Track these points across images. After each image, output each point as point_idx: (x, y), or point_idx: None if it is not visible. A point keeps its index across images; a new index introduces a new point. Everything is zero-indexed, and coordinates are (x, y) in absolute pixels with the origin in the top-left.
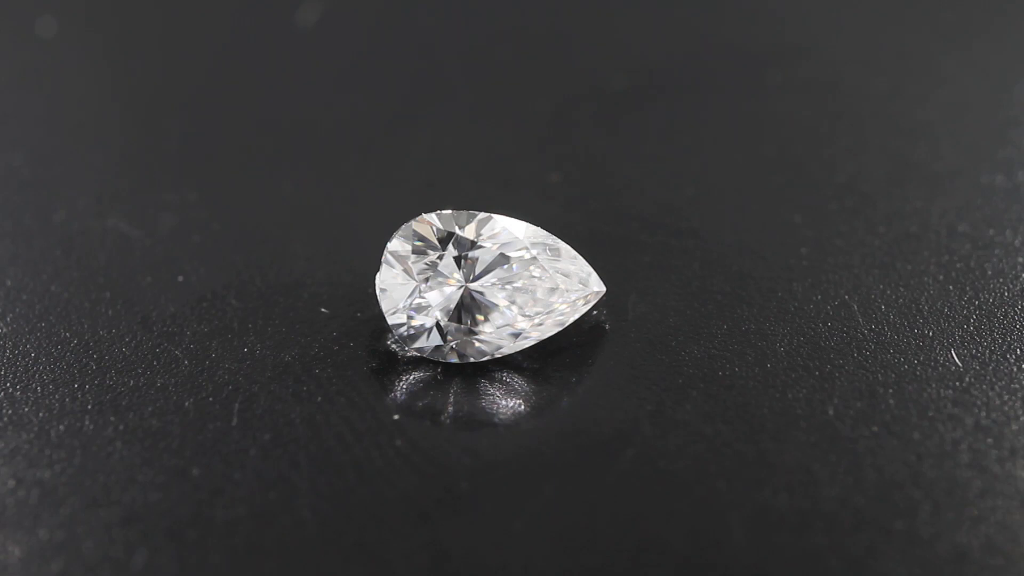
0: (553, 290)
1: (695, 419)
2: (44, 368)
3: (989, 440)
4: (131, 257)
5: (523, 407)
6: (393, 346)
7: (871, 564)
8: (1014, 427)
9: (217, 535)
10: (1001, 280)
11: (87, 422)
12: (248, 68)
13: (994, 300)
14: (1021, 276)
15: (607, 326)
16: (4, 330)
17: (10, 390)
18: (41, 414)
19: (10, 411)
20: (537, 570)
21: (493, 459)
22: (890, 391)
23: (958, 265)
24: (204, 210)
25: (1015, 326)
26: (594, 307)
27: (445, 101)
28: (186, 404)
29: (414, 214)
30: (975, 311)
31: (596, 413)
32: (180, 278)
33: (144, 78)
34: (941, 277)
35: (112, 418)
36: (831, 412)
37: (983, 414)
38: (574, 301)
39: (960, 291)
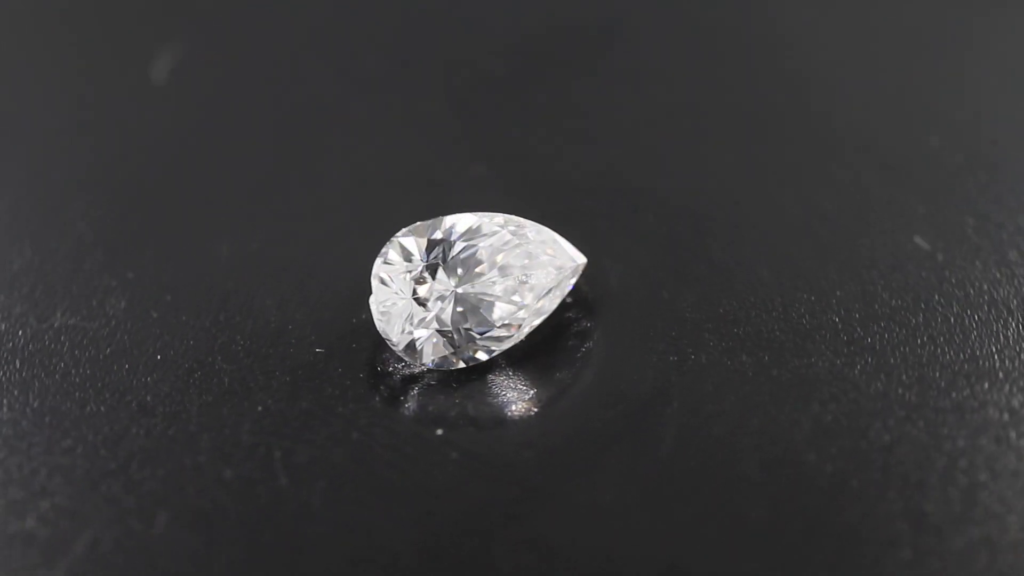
0: (538, 268)
1: (719, 357)
2: (59, 485)
3: None
4: (95, 350)
5: (554, 390)
6: (400, 366)
7: (932, 442)
8: None
9: None
10: None
11: (134, 523)
12: (123, 124)
13: None
14: None
15: (590, 297)
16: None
17: (30, 515)
18: (82, 532)
19: (47, 532)
20: (642, 533)
21: (551, 446)
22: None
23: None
24: (147, 285)
25: None
26: (577, 281)
27: (343, 123)
28: (226, 475)
29: (372, 237)
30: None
31: (625, 377)
32: (158, 356)
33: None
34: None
35: (158, 511)
36: (836, 320)
37: None
38: (558, 274)
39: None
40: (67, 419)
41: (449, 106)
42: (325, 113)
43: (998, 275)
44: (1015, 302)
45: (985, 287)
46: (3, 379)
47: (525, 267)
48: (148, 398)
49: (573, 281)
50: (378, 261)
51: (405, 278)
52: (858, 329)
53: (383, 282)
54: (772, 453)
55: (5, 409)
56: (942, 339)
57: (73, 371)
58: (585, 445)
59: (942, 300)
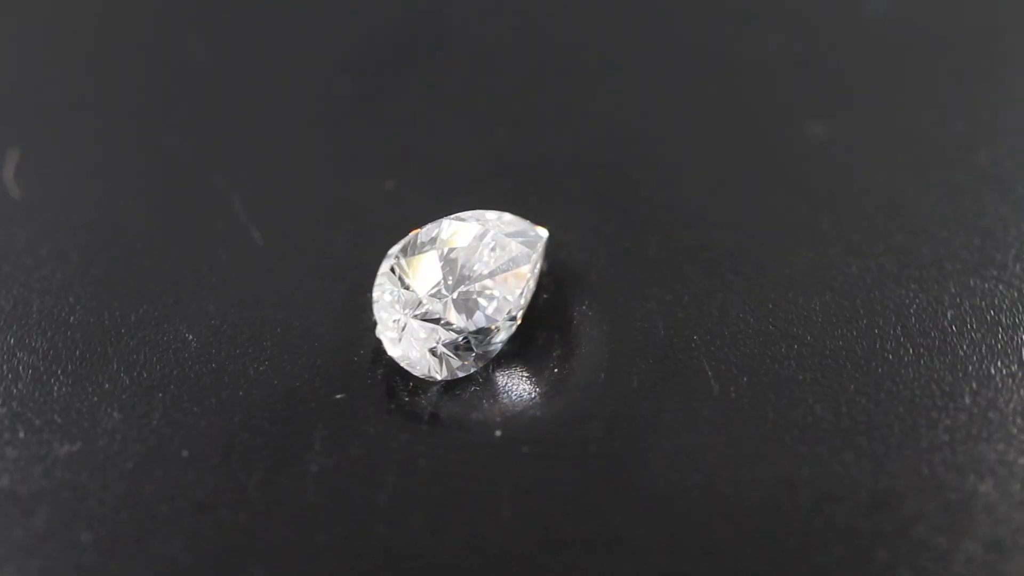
0: (516, 254)
1: (707, 281)
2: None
3: None
4: (114, 468)
5: (576, 361)
6: (412, 384)
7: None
8: None
9: None
10: None
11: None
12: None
13: None
14: None
15: (557, 270)
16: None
17: None
18: None
19: None
20: (739, 459)
21: (609, 412)
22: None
23: None
24: (129, 391)
25: None
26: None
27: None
28: (320, 540)
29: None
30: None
31: (635, 329)
32: (185, 453)
33: None
34: None
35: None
36: (806, 218)
37: None
38: (530, 252)
39: None
40: (127, 543)
41: (322, 133)
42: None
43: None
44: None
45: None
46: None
47: (506, 256)
48: (199, 496)
49: (541, 254)
50: (375, 293)
51: (404, 300)
52: (825, 225)
53: (385, 311)
54: (805, 348)
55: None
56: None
57: (104, 495)
58: (638, 402)
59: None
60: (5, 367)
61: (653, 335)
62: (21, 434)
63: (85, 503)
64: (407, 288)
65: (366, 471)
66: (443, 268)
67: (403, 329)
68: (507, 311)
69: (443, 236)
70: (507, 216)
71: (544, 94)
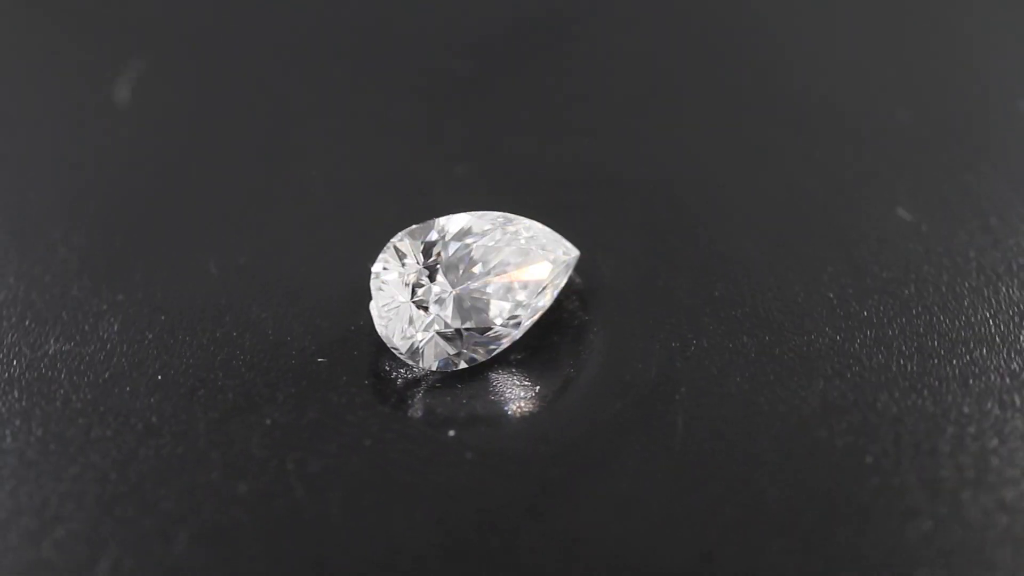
0: (533, 263)
1: (720, 340)
2: (72, 511)
3: None
4: (92, 372)
5: (560, 384)
6: (404, 370)
7: (939, 411)
8: None
9: None
10: None
11: (153, 544)
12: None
13: None
14: None
15: (586, 290)
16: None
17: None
18: (101, 557)
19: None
20: (663, 521)
21: (565, 440)
22: (869, 255)
23: None
24: (139, 306)
25: None
26: (572, 276)
27: (321, 132)
28: (241, 491)
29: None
30: None
31: (629, 367)
32: (159, 377)
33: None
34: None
35: (177, 530)
36: (831, 296)
37: None
38: (553, 268)
39: None
40: (72, 445)
41: (424, 108)
42: (303, 123)
43: (983, 242)
44: (1002, 267)
45: (972, 254)
46: (3, 410)
47: (519, 263)
48: (153, 419)
49: (568, 275)
50: (376, 266)
51: (403, 282)
52: (853, 304)
53: (382, 287)
54: (783, 432)
55: (9, 439)
56: (936, 308)
57: (74, 397)
58: (598, 437)
59: (931, 270)
60: (45, 260)
61: (642, 377)
62: (26, 322)
63: (51, 402)
64: (408, 270)
65: (312, 436)
66: (452, 259)
67: (394, 309)
68: (507, 316)
69: (463, 228)
70: (537, 226)
71: (624, 118)
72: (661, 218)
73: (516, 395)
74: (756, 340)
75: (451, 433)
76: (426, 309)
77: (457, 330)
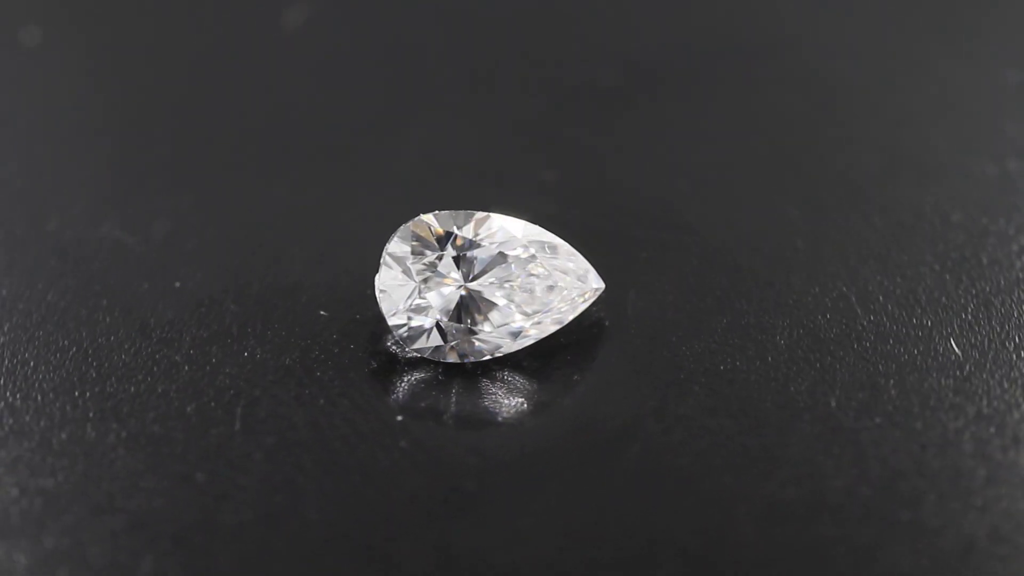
0: (552, 288)
1: (698, 414)
2: (44, 376)
3: (992, 429)
4: (127, 264)
5: (526, 406)
6: (393, 347)
7: (878, 555)
8: (1016, 415)
9: (224, 539)
10: (997, 268)
11: (89, 429)
12: (236, 71)
13: (991, 289)
14: (1016, 264)
15: (606, 323)
16: (1, 339)
17: (10, 399)
18: (42, 422)
19: (11, 420)
20: (545, 568)
21: (499, 458)
22: (891, 381)
23: (953, 255)
24: (198, 215)
25: (1013, 314)
26: (593, 304)
27: (435, 99)
28: (188, 409)
29: (410, 215)
30: (972, 299)
31: (599, 410)
32: (177, 284)
33: (132, 84)
34: (937, 267)
35: (114, 425)
36: (833, 404)
37: (984, 403)
38: (573, 299)
39: (957, 280)
40: (72, 321)
41: (544, 110)
42: (418, 92)
43: None
44: None
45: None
46: (34, 269)
47: (542, 280)
48: (151, 320)
49: (585, 306)
50: (394, 239)
51: (417, 261)
52: (851, 417)
53: (390, 262)
54: (708, 521)
55: (23, 299)
56: None
57: (96, 280)
58: (532, 466)
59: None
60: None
61: (607, 423)
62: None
63: (69, 311)
64: (426, 252)
65: (275, 380)
66: (477, 258)
67: (399, 287)
68: (508, 327)
69: (502, 235)
70: (566, 247)
71: (718, 176)
72: (710, 277)
73: (482, 404)
74: (736, 425)
75: (399, 418)
76: (431, 293)
77: (454, 324)
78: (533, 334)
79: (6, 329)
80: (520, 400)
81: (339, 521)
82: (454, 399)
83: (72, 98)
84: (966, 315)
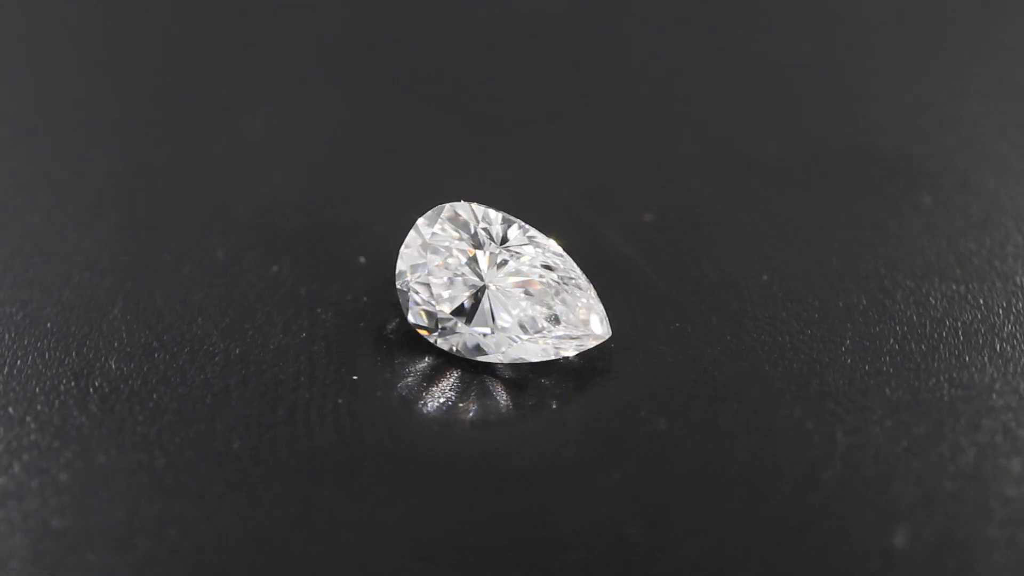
0: (556, 319)
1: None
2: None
3: None
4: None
5: (475, 425)
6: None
7: None
8: None
9: None
10: None
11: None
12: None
13: None
14: None
15: (592, 366)
16: None
17: None
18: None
19: None
20: None
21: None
22: None
23: None
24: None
25: None
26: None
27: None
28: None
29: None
30: None
31: (550, 454)
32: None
33: None
34: None
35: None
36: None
37: None
38: (574, 339)
39: None
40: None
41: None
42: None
43: None
44: None
45: None
46: None
47: (549, 308)
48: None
49: (583, 348)
50: (430, 214)
51: (441, 242)
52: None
53: (416, 232)
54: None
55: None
56: None
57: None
58: (443, 487)
59: None
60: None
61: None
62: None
63: None
64: (470, 236)
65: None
66: (507, 273)
67: (418, 266)
68: (501, 342)
69: (539, 260)
70: (593, 295)
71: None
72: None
73: (435, 403)
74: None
75: (355, 378)
76: (444, 271)
77: (453, 315)
78: (523, 354)
79: None
80: (464, 417)
81: (263, 474)
82: (418, 388)
83: None
84: None
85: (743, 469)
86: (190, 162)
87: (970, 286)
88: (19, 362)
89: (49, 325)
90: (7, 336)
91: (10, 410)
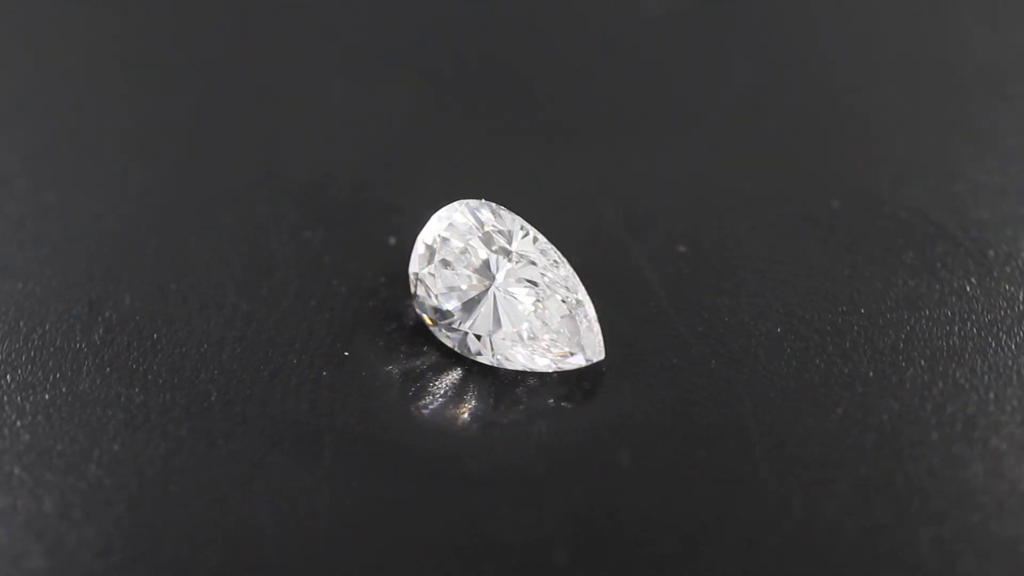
0: (555, 337)
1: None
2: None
3: None
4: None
5: (449, 432)
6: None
7: None
8: None
9: None
10: None
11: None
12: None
13: None
14: None
15: (580, 386)
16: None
17: None
18: None
19: None
20: None
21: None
22: None
23: None
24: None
25: None
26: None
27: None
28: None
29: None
30: None
31: (511, 470)
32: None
33: None
34: None
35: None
36: None
37: None
38: (567, 356)
39: None
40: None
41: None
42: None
43: None
44: None
45: None
46: None
47: (551, 322)
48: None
49: (573, 367)
50: (448, 208)
51: (456, 239)
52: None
53: (442, 221)
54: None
55: None
56: None
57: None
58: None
59: None
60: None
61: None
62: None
63: None
64: (487, 232)
65: (270, 300)
66: (513, 267)
67: (441, 243)
68: (498, 346)
69: (553, 268)
70: (592, 313)
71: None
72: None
73: (426, 402)
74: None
75: (346, 354)
76: (455, 265)
77: (452, 312)
78: (513, 361)
79: None
80: (443, 418)
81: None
82: (421, 393)
83: None
84: None
85: (685, 519)
86: (255, 121)
87: (986, 379)
88: (45, 281)
89: (84, 251)
90: (41, 254)
91: (21, 324)
